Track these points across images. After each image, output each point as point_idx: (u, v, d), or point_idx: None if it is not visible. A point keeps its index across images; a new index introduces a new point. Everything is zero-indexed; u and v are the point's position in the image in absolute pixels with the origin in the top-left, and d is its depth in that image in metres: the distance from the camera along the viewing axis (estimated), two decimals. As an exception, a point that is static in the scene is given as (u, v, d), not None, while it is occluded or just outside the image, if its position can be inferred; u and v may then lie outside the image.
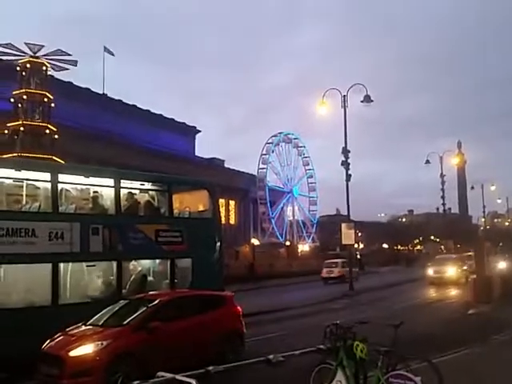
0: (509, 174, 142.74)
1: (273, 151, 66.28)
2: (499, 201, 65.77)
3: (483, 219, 62.80)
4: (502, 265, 31.96)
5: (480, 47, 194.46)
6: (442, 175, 41.85)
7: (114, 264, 12.54)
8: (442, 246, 55.56)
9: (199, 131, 71.08)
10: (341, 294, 27.19)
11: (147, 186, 14.08)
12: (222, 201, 67.20)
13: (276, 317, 19.94)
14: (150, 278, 13.50)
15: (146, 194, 14.02)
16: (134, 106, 59.61)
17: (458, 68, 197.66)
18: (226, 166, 70.21)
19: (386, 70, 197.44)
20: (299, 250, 66.20)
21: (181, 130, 65.42)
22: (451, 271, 32.29)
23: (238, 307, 11.42)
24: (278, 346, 8.83)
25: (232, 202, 69.41)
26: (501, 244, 45.02)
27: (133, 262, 13.26)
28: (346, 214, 29.20)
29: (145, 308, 9.76)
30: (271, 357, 6.96)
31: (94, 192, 12.87)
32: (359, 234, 76.03)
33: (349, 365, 7.07)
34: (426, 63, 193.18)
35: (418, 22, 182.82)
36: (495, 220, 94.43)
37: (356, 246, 72.43)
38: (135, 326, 9.22)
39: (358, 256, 60.72)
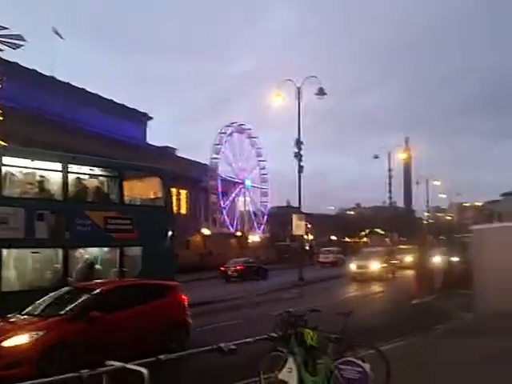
0: (454, 170, 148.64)
1: (225, 141, 65.95)
2: (443, 196, 68.56)
3: (426, 213, 65.17)
4: (437, 259, 30.02)
5: (434, 45, 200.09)
6: (389, 170, 43.01)
7: (60, 251, 12.13)
8: (387, 239, 57.26)
9: (151, 118, 69.56)
10: (291, 284, 27.54)
11: (97, 171, 13.65)
12: (173, 190, 66.27)
13: (227, 306, 19.98)
14: (97, 267, 13.16)
15: (96, 180, 13.60)
16: (83, 89, 57.58)
17: (415, 64, 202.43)
18: (178, 154, 69.30)
19: (345, 64, 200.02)
20: (250, 241, 66.45)
21: (132, 117, 63.90)
22: (375, 266, 29.89)
23: (184, 296, 11.24)
24: (229, 335, 8.80)
25: (183, 192, 68.54)
26: (442, 237, 46.83)
27: (80, 250, 12.88)
28: (296, 205, 29.56)
29: (84, 297, 9.48)
30: (223, 345, 6.90)
31: (41, 176, 12.36)
32: (309, 226, 77.46)
33: (299, 352, 7.14)
34: (385, 58, 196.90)
35: (379, 17, 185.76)
36: (438, 214, 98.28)
37: (306, 237, 73.77)
38: (72, 316, 8.98)
39: (308, 247, 61.75)
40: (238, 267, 34.66)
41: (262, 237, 68.92)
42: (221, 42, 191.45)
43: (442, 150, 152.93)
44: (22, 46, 38.23)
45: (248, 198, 70.24)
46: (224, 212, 65.34)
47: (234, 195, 67.93)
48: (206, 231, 62.30)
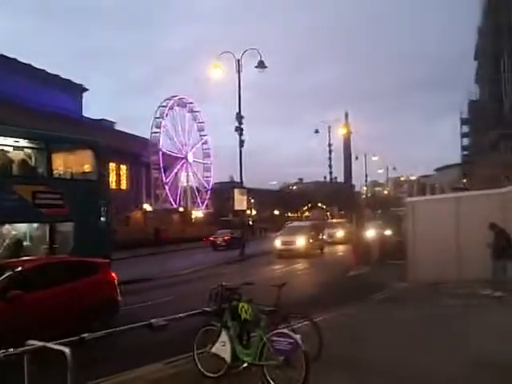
0: (392, 147, 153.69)
1: (167, 115, 64.43)
2: (380, 171, 70.69)
3: (365, 188, 67.00)
4: (373, 232, 28.36)
5: (380, 24, 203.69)
6: (329, 145, 43.59)
7: (-17, 227, 11.36)
8: (328, 213, 58.54)
9: (86, 89, 66.76)
10: (232, 260, 27.56)
11: (22, 143, 12.81)
12: (112, 165, 64.36)
13: (164, 283, 19.67)
14: (26, 243, 12.48)
15: (22, 153, 12.78)
16: (15, 59, 54.32)
17: (360, 43, 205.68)
18: (117, 128, 67.12)
19: (291, 40, 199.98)
20: (193, 217, 65.93)
21: (66, 88, 61.03)
22: (300, 242, 27.85)
23: (113, 274, 10.86)
24: (162, 312, 8.53)
25: (123, 167, 66.78)
26: (379, 211, 48.31)
27: (6, 226, 12.14)
28: (239, 181, 29.40)
29: (4, 276, 8.88)
30: (153, 321, 6.68)
31: (-41, 148, 11.48)
32: (252, 201, 77.69)
33: (233, 326, 7.07)
34: (332, 35, 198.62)
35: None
36: (376, 189, 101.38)
37: (248, 212, 74.01)
38: None
39: (250, 222, 62.09)
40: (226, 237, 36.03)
41: (206, 212, 68.56)
42: (161, 13, 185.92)
43: (381, 127, 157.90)
44: None
45: (191, 174, 69.39)
46: (166, 187, 64.27)
47: (176, 170, 66.85)
48: (147, 207, 61.15)
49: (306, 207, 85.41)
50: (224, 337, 7.02)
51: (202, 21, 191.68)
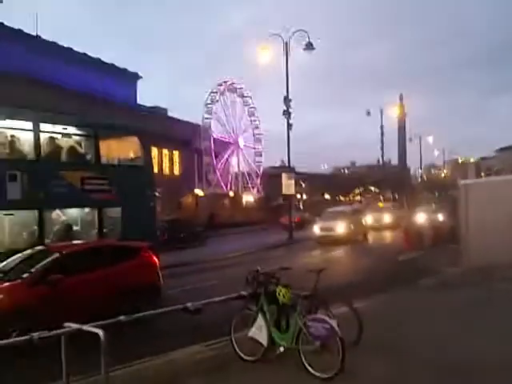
0: (449, 127, 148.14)
1: (217, 100, 64.77)
2: (436, 152, 68.28)
3: (420, 170, 65.03)
4: (421, 217, 26.86)
5: (431, 2, 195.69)
6: (381, 127, 42.60)
7: (36, 213, 11.81)
8: (381, 196, 57.31)
9: (140, 77, 68.09)
10: (280, 243, 27.52)
11: (71, 130, 13.20)
12: (165, 151, 65.76)
13: (212, 266, 19.91)
14: (76, 228, 12.91)
15: (70, 139, 13.17)
16: (70, 48, 56.08)
17: (408, 20, 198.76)
18: (169, 115, 68.22)
19: (340, 22, 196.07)
20: (244, 201, 66.35)
21: (121, 76, 62.38)
22: (340, 228, 26.38)
23: (154, 258, 10.92)
24: (204, 295, 8.59)
25: (176, 153, 67.91)
26: (436, 194, 46.82)
27: (56, 211, 12.59)
28: (291, 165, 29.19)
29: (47, 260, 9.15)
30: (189, 304, 6.71)
31: (11, 136, 11.92)
32: (303, 185, 77.19)
33: (269, 310, 7.02)
34: (378, 15, 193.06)
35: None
36: (432, 171, 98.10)
37: (299, 196, 73.59)
38: (33, 280, 8.65)
39: (301, 206, 61.82)
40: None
41: (256, 197, 68.80)
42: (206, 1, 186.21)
43: (437, 107, 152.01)
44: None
45: (242, 159, 69.66)
46: (218, 173, 64.90)
47: (227, 156, 67.30)
48: (199, 192, 62.04)
49: (357, 191, 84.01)
50: (260, 321, 6.99)
51: (253, 3, 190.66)
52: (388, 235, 31.20)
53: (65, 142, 12.98)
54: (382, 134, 42.78)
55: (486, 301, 9.93)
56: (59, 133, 12.84)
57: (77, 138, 13.35)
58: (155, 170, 64.83)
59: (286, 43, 26.29)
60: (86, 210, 13.48)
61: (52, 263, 9.02)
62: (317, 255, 22.71)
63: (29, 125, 11.78)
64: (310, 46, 25.62)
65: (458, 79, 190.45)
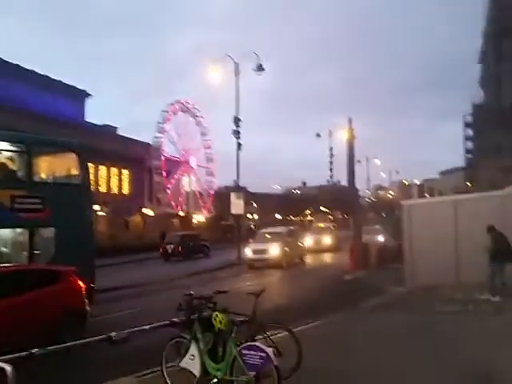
0: (394, 150, 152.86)
1: (169, 120, 64.20)
2: (383, 174, 70.26)
3: (368, 191, 66.47)
4: (367, 237, 24.59)
5: (378, 29, 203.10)
6: (330, 149, 43.34)
7: (-41, 234, 10.91)
8: (331, 216, 57.93)
9: (90, 95, 66.80)
10: (229, 263, 27.03)
11: (1, 145, 12.38)
12: (114, 169, 64.31)
13: (149, 289, 18.94)
14: (4, 250, 12.02)
15: (0, 155, 12.35)
16: (17, 65, 54.30)
17: (358, 45, 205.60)
18: (120, 133, 66.95)
19: (292, 45, 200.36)
20: (195, 221, 65.50)
21: (69, 93, 60.94)
22: (275, 250, 24.31)
23: (80, 282, 10.18)
24: (135, 322, 8.03)
25: (125, 171, 66.55)
26: (383, 214, 47.75)
27: (-18, 232, 11.68)
28: (243, 185, 28.99)
29: None
30: (113, 334, 6.18)
31: None
32: (255, 206, 77.14)
33: (203, 337, 6.58)
34: (330, 41, 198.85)
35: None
36: (379, 192, 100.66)
37: (251, 216, 73.39)
38: None
39: (252, 226, 61.60)
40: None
41: (208, 217, 68.13)
42: (164, 17, 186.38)
43: (386, 130, 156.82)
44: None
45: (193, 178, 69.02)
46: (168, 192, 63.94)
47: (178, 175, 66.54)
48: (148, 211, 60.81)
49: (308, 211, 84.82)
50: (193, 350, 6.53)
51: (206, 25, 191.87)
52: (328, 258, 30.04)
53: (-6, 159, 12.17)
54: (331, 156, 43.48)
55: (429, 324, 9.84)
56: (-12, 149, 12.02)
57: (7, 153, 12.53)
58: (103, 188, 63.50)
59: (236, 64, 26.35)
60: (17, 230, 12.60)
61: None
62: (252, 278, 21.76)
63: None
64: (260, 68, 25.79)
65: (406, 104, 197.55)
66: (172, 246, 33.36)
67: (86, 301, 9.85)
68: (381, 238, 25.47)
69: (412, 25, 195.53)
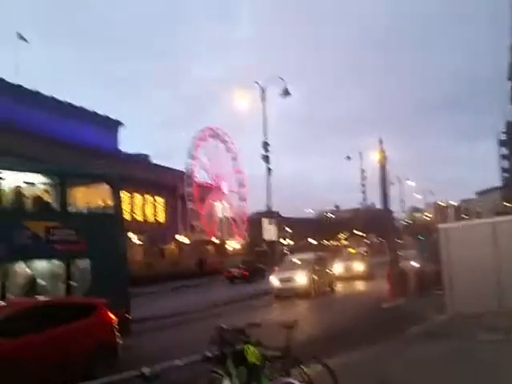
0: (427, 171, 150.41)
1: (200, 146, 65.07)
2: (418, 196, 68.99)
3: (403, 214, 65.25)
4: (405, 262, 24.64)
5: (411, 43, 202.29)
6: (362, 171, 42.95)
7: (-4, 266, 11.11)
8: (366, 240, 56.97)
9: (122, 124, 68.49)
10: (261, 292, 26.62)
11: (36, 178, 12.70)
12: (148, 197, 65.34)
13: (189, 318, 18.80)
14: (40, 282, 12.15)
15: (35, 187, 12.66)
16: (53, 97, 56.35)
17: (386, 66, 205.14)
18: (153, 161, 68.24)
19: (319, 68, 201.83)
20: (231, 247, 65.52)
21: (103, 124, 62.72)
22: (301, 278, 23.22)
23: (111, 315, 10.06)
24: (169, 355, 7.88)
25: (159, 199, 67.56)
26: (420, 237, 46.51)
27: (20, 264, 11.86)
28: (275, 210, 28.89)
29: None
30: (146, 369, 6.05)
31: (-29, 185, 11.40)
32: (289, 230, 76.75)
33: (237, 373, 6.38)
34: (360, 60, 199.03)
35: (347, 20, 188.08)
36: (415, 214, 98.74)
37: (283, 241, 72.92)
38: None
39: (286, 251, 61.07)
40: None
41: (242, 243, 68.05)
42: (184, 47, 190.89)
43: (412, 151, 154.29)
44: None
45: (226, 204, 69.34)
46: (202, 219, 64.36)
47: (211, 201, 67.00)
48: (182, 239, 61.19)
49: (343, 235, 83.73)
50: (227, 386, 6.35)
51: (233, 50, 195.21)
52: (361, 286, 28.69)
53: (29, 191, 12.44)
54: (363, 178, 43.11)
55: (471, 353, 9.37)
56: (24, 181, 12.32)
57: (42, 186, 12.82)
58: (139, 216, 64.32)
59: (263, 90, 26.58)
60: (53, 262, 12.77)
61: None
62: (282, 307, 21.10)
63: (-11, 172, 11.26)
64: (286, 92, 25.94)
65: (434, 123, 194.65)
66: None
67: (118, 334, 9.75)
68: (415, 264, 24.54)
69: (439, 43, 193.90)
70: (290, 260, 26.32)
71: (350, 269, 31.39)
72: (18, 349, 8.08)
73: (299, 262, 24.70)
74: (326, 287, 24.97)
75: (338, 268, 29.45)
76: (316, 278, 23.75)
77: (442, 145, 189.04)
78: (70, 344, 8.87)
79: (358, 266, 32.04)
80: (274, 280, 23.94)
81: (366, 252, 38.07)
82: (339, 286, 26.83)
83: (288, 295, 22.94)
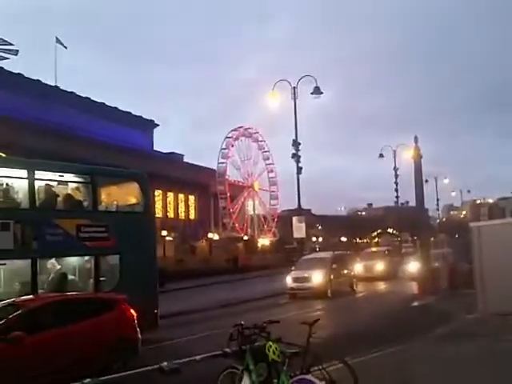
0: (464, 168, 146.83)
1: (232, 146, 65.46)
2: (453, 194, 67.45)
3: (438, 212, 63.98)
4: (412, 266, 25.66)
5: (440, 45, 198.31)
6: (395, 169, 42.28)
7: (29, 262, 11.48)
8: (399, 238, 56.12)
9: (157, 125, 69.75)
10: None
11: (67, 177, 13.07)
12: (181, 196, 66.20)
13: (215, 314, 18.84)
14: (71, 277, 12.50)
15: (67, 186, 13.02)
16: (88, 98, 57.72)
17: (421, 64, 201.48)
18: (185, 160, 69.13)
19: (351, 67, 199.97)
20: (259, 245, 65.70)
21: (138, 124, 63.89)
22: (317, 278, 22.43)
23: (132, 311, 10.14)
24: (193, 349, 8.00)
25: (192, 197, 68.38)
26: (456, 236, 45.54)
27: (51, 260, 12.23)
28: (307, 208, 28.77)
29: (9, 315, 8.48)
30: (164, 364, 6.17)
31: (6, 184, 11.81)
32: (319, 228, 76.42)
33: (256, 369, 6.44)
34: (390, 59, 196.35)
35: (381, 19, 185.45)
36: (451, 212, 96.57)
37: (315, 239, 72.53)
38: None
39: (317, 249, 60.81)
40: None
41: (273, 240, 68.14)
42: (222, 48, 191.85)
43: (450, 148, 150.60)
44: (14, 55, 38.42)
45: (257, 202, 69.56)
46: (233, 216, 64.75)
47: (242, 199, 67.33)
48: (213, 236, 61.71)
49: (374, 233, 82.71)
50: (246, 381, 6.41)
51: (266, 50, 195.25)
52: (383, 286, 27.42)
53: (61, 190, 12.81)
54: (396, 176, 42.34)
55: (501, 354, 9.15)
56: (55, 180, 12.69)
57: (73, 184, 13.18)
58: (171, 214, 65.24)
59: (294, 88, 26.48)
60: (83, 258, 13.12)
61: (14, 319, 8.39)
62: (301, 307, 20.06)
63: (23, 173, 11.65)
64: (317, 91, 25.78)
65: (474, 120, 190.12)
66: None
67: (138, 329, 9.87)
68: (456, 260, 23.87)
69: (474, 42, 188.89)
70: (306, 259, 25.50)
71: (369, 269, 29.86)
72: (38, 343, 8.27)
73: (315, 261, 23.99)
74: (346, 287, 24.27)
75: (357, 267, 27.87)
76: (333, 277, 23.03)
77: (482, 142, 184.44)
78: (91, 338, 9.04)
79: (379, 266, 30.51)
80: (289, 279, 23.27)
81: (389, 251, 35.42)
82: (360, 286, 25.87)
83: (303, 295, 22.43)
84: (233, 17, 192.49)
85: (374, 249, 39.20)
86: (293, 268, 24.43)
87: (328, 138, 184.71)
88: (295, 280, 22.87)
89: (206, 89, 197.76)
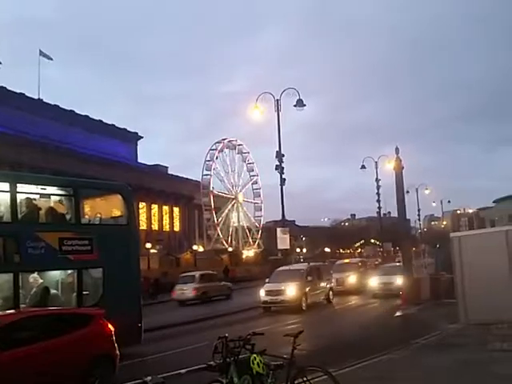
0: (446, 179, 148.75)
1: (217, 157, 65.55)
2: (434, 204, 68.36)
3: (419, 222, 64.58)
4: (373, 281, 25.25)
5: (427, 57, 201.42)
6: (377, 180, 42.72)
7: (11, 276, 11.34)
8: (381, 249, 56.53)
9: (141, 137, 69.57)
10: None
11: (50, 190, 12.97)
12: (165, 208, 65.96)
13: (190, 329, 18.69)
14: (53, 291, 12.36)
15: (49, 199, 12.92)
16: (72, 111, 57.39)
17: (407, 76, 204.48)
18: (170, 172, 69.04)
19: (338, 78, 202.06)
20: (244, 256, 65.60)
21: (122, 136, 63.68)
22: (291, 291, 21.48)
23: (109, 326, 9.90)
24: (176, 363, 7.94)
25: (176, 209, 68.23)
26: (437, 246, 45.99)
27: (33, 274, 12.09)
28: (291, 219, 28.82)
29: None
30: (148, 378, 6.14)
31: (-14, 197, 11.70)
32: (303, 239, 76.64)
33: (241, 381, 6.46)
34: (378, 71, 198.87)
35: (367, 31, 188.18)
36: (432, 223, 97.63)
37: (298, 250, 72.70)
38: None
39: (301, 260, 60.94)
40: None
41: (257, 252, 68.09)
42: (210, 61, 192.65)
43: (433, 160, 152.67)
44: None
45: (241, 214, 69.58)
46: (218, 228, 64.65)
47: (227, 211, 67.30)
48: (198, 248, 61.52)
49: (358, 244, 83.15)
50: (230, 395, 6.42)
51: (256, 63, 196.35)
52: (354, 300, 26.04)
53: (43, 202, 12.70)
54: (378, 187, 42.81)
55: (483, 363, 9.28)
56: (37, 193, 12.60)
57: (56, 197, 13.08)
58: (155, 226, 64.90)
59: (277, 101, 26.71)
60: (66, 272, 13.00)
61: None
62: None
63: (5, 186, 11.54)
64: (300, 103, 26.03)
65: (456, 132, 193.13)
66: None
67: (117, 345, 9.64)
68: (437, 270, 24.00)
69: (460, 54, 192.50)
70: (280, 270, 24.32)
71: (341, 282, 28.11)
72: (12, 360, 8.01)
73: (289, 274, 23.09)
74: (321, 300, 23.63)
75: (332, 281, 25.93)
76: (308, 290, 22.22)
77: (464, 153, 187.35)
78: (68, 354, 8.80)
79: (351, 279, 28.92)
80: (262, 292, 22.36)
81: (362, 262, 34.10)
82: (336, 299, 24.98)
83: (276, 309, 21.81)
84: (220, 30, 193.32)
85: (346, 260, 37.59)
86: (267, 280, 23.73)
87: (313, 150, 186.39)
88: (268, 293, 22.09)
89: (192, 101, 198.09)
